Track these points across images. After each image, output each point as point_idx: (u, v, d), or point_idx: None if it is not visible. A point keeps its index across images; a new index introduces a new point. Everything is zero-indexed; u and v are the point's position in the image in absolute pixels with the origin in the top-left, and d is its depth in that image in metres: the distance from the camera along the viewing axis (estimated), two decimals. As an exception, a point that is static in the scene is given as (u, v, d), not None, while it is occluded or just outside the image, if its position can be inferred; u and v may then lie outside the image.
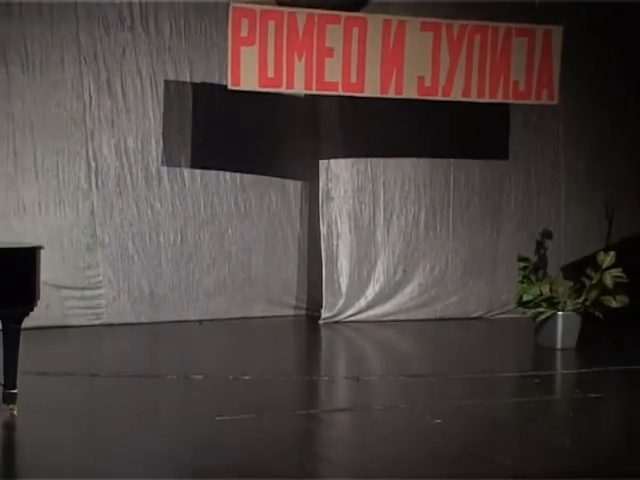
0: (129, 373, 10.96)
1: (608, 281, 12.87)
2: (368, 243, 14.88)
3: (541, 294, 12.97)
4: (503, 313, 15.03)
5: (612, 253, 13.07)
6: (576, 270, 14.00)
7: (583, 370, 11.96)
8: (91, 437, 8.74)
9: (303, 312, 14.95)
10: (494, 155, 15.39)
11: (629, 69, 15.23)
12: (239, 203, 14.49)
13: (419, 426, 9.22)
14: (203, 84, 14.18)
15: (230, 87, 13.33)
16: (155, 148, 14.10)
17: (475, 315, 15.23)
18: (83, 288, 13.70)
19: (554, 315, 12.87)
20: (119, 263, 13.94)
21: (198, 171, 14.28)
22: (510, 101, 14.67)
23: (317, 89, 13.86)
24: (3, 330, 9.23)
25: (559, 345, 12.83)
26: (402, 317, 14.84)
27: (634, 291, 12.86)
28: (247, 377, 10.83)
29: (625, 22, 15.04)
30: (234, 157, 14.36)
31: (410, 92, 14.03)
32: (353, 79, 13.82)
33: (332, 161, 14.70)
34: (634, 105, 14.56)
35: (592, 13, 14.99)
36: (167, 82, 14.08)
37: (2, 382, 9.21)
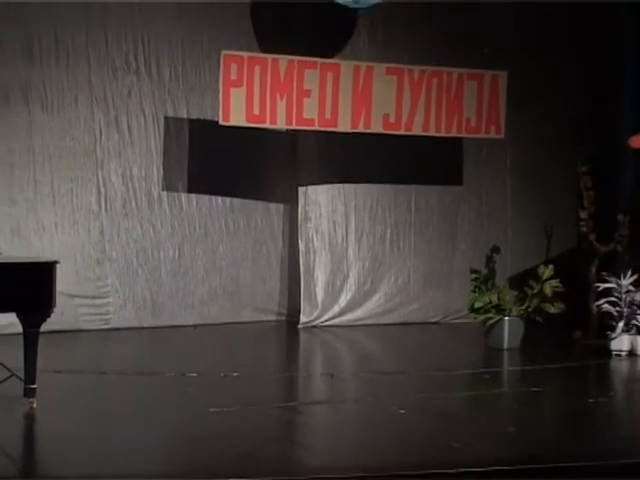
0: (133, 371, 10.94)
1: (547, 290, 12.91)
2: (341, 258, 14.85)
3: (490, 302, 12.98)
4: (457, 318, 14.97)
5: (551, 266, 13.11)
6: (520, 281, 14.07)
7: (526, 367, 11.91)
8: (100, 426, 8.73)
9: (284, 318, 14.85)
10: (450, 182, 15.35)
11: (567, 109, 15.22)
12: (229, 223, 14.45)
13: (386, 416, 9.23)
14: (198, 120, 14.14)
15: (221, 123, 13.35)
16: (156, 175, 14.07)
17: (433, 320, 15.17)
18: (93, 297, 13.66)
19: (501, 320, 12.85)
20: (125, 275, 13.90)
21: (194, 195, 14.24)
22: (463, 135, 14.68)
23: (297, 125, 13.87)
24: (24, 333, 9.20)
25: (505, 346, 12.79)
26: (370, 322, 14.80)
27: (569, 299, 12.95)
28: (236, 374, 10.80)
29: (563, 67, 15.08)
30: (225, 183, 14.33)
31: (377, 127, 14.05)
32: (328, 116, 13.83)
33: (309, 187, 14.69)
34: (569, 140, 14.54)
35: (534, 59, 14.98)
36: (167, 118, 14.06)
37: (23, 378, 9.17)
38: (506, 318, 12.88)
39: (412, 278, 15.23)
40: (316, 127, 13.95)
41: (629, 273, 12.81)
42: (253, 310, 14.70)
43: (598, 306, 12.87)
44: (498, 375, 11.75)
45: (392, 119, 14.09)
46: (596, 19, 14.96)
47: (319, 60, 13.80)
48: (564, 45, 15.04)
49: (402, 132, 14.18)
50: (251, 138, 13.90)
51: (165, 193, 14.15)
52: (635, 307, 12.65)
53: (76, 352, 12.07)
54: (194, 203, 14.29)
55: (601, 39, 15.07)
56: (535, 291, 13.01)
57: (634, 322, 12.60)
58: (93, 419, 9.01)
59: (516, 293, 13.46)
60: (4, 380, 9.44)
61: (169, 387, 10.38)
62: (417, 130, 14.23)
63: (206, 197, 14.31)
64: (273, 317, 14.82)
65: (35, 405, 9.06)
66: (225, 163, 14.20)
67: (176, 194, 14.21)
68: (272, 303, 14.85)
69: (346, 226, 14.94)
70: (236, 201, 14.50)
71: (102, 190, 13.78)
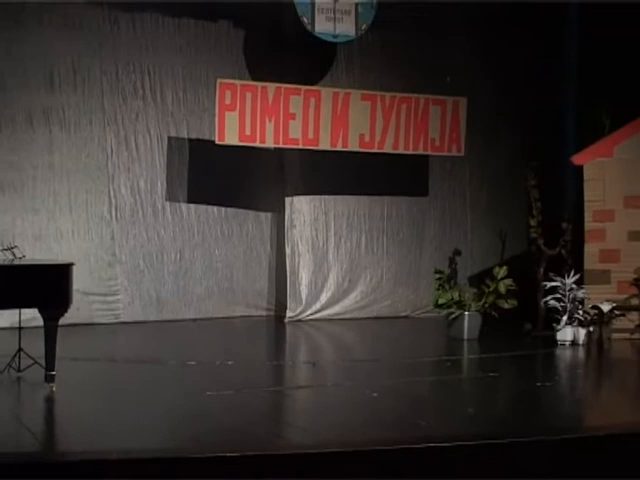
0: (139, 359, 10.97)
1: (502, 289, 12.96)
2: (322, 261, 14.84)
3: (452, 298, 12.98)
4: (424, 313, 14.95)
5: (505, 267, 13.18)
6: (478, 280, 14.09)
7: (483, 355, 11.92)
8: (111, 407, 8.74)
9: (272, 313, 14.82)
10: (417, 194, 15.35)
11: (519, 131, 15.25)
12: (224, 230, 14.46)
13: (360, 399, 9.24)
14: (197, 140, 14.14)
15: (217, 142, 13.36)
16: (160, 188, 14.08)
17: (403, 314, 15.16)
18: (105, 294, 13.68)
19: (462, 314, 12.86)
20: (133, 275, 13.91)
21: (193, 205, 14.24)
22: (428, 153, 14.69)
23: (283, 144, 13.87)
24: (45, 326, 9.23)
25: (465, 337, 12.78)
26: (348, 316, 14.79)
27: (521, 296, 12.99)
28: (230, 362, 10.80)
29: (516, 94, 15.14)
30: (220, 195, 14.33)
31: (353, 146, 14.07)
32: (310, 136, 13.84)
33: (295, 198, 14.67)
34: (521, 158, 14.53)
35: (491, 88, 15.04)
36: (170, 138, 14.07)
37: (44, 365, 9.22)
38: (466, 312, 12.88)
39: (384, 278, 15.24)
40: (300, 146, 13.96)
41: (572, 273, 12.85)
42: (245, 306, 14.69)
43: (545, 302, 12.87)
44: (459, 362, 11.71)
45: (367, 139, 14.11)
46: (542, 58, 15.11)
47: (303, 87, 13.83)
48: (517, 76, 15.08)
49: (375, 150, 14.20)
50: (243, 155, 13.88)
51: (168, 203, 14.16)
52: (577, 303, 12.67)
53: (90, 343, 12.02)
54: (193, 212, 14.30)
55: (548, 74, 15.18)
56: (491, 289, 13.05)
57: (576, 316, 12.62)
58: (105, 401, 9.03)
59: (475, 291, 13.47)
60: (27, 367, 9.54)
61: (171, 373, 10.38)
62: (388, 148, 14.25)
63: (204, 207, 14.32)
64: (262, 312, 14.80)
65: (54, 389, 9.09)
66: (220, 177, 14.21)
67: (177, 204, 14.22)
68: (262, 300, 14.83)
69: (327, 232, 14.93)
70: (230, 210, 14.51)
71: (113, 201, 13.79)
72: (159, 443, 7.57)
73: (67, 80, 13.41)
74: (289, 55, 14.17)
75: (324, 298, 14.86)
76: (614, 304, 12.73)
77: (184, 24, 14.02)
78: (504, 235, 14.84)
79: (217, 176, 14.17)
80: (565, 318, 12.63)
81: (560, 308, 12.70)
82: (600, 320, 12.56)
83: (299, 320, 14.51)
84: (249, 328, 14.10)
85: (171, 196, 14.17)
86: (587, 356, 12.15)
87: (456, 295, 13.06)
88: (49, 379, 9.17)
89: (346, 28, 13.88)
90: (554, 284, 12.84)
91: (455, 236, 15.57)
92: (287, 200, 14.67)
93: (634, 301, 13.07)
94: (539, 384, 10.25)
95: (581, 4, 14.95)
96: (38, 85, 13.24)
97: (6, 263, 9.31)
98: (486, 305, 13.00)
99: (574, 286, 12.75)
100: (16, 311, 9.73)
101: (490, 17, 14.79)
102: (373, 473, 7.14)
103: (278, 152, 14.40)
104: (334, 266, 14.96)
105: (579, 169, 13.37)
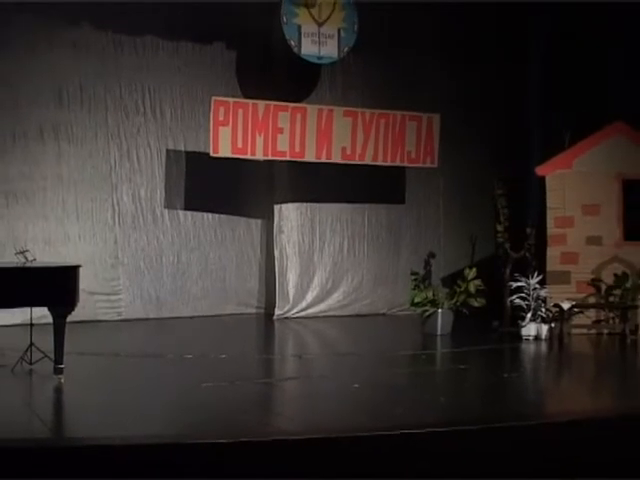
0: (141, 354, 10.98)
1: (471, 288, 13.00)
2: (308, 263, 14.84)
3: (427, 297, 12.99)
4: (401, 311, 14.92)
5: (474, 269, 13.23)
6: (450, 280, 14.14)
7: (455, 349, 11.92)
8: (114, 397, 8.75)
9: (262, 311, 14.79)
10: (395, 201, 15.37)
11: (487, 144, 15.23)
12: (217, 235, 14.44)
13: (344, 390, 9.25)
14: (193, 152, 14.12)
15: (212, 154, 13.35)
16: (159, 196, 14.07)
17: (382, 312, 15.17)
18: (109, 294, 13.67)
19: (435, 312, 12.87)
20: (134, 277, 13.90)
21: (189, 212, 14.23)
22: (405, 165, 14.71)
23: (272, 156, 13.86)
24: (54, 323, 9.25)
25: (439, 332, 12.78)
26: (331, 314, 14.78)
27: (489, 295, 13.03)
28: (223, 356, 10.80)
29: (486, 111, 15.15)
30: (214, 203, 14.30)
31: (336, 158, 14.07)
32: (297, 149, 13.84)
33: (283, 205, 14.67)
34: (489, 169, 14.54)
35: (463, 105, 15.03)
36: (168, 151, 14.05)
37: (53, 359, 9.23)
38: (439, 310, 12.89)
39: (365, 279, 15.25)
40: (288, 158, 13.95)
41: (535, 274, 12.89)
42: (237, 304, 14.67)
43: (511, 301, 12.87)
44: (433, 356, 11.76)
45: (348, 151, 14.12)
46: (509, 78, 15.18)
47: (290, 104, 13.83)
48: (486, 95, 15.07)
49: (356, 161, 14.21)
50: (235, 166, 13.86)
51: (166, 210, 14.14)
52: (540, 301, 12.72)
53: (95, 338, 12.00)
54: (189, 218, 14.28)
55: (515, 93, 15.25)
56: (462, 289, 13.08)
57: (539, 313, 12.66)
58: (109, 391, 9.04)
59: (447, 290, 13.47)
60: (38, 360, 9.53)
61: (170, 366, 10.38)
62: (368, 160, 14.25)
63: (199, 214, 14.30)
64: (253, 310, 14.78)
65: (63, 380, 9.11)
66: (214, 186, 14.18)
67: (175, 211, 14.21)
68: (252, 299, 14.81)
69: (312, 237, 14.93)
70: (223, 217, 14.49)
71: (116, 208, 13.78)
72: (159, 430, 7.57)
73: (74, 98, 13.41)
74: (278, 75, 14.17)
75: (310, 297, 14.85)
76: (573, 302, 12.78)
77: (181, 47, 14.02)
78: (474, 239, 14.84)
79: (211, 185, 14.15)
80: (529, 315, 12.67)
81: (525, 306, 12.74)
82: (561, 317, 12.59)
83: (287, 317, 14.49)
84: (241, 325, 14.07)
85: (169, 204, 14.15)
86: (549, 350, 12.14)
87: (430, 294, 13.07)
88: (58, 371, 9.20)
89: (330, 51, 13.92)
90: (519, 284, 12.87)
91: (429, 240, 15.58)
92: (276, 207, 14.66)
93: (591, 299, 13.16)
94: (506, 375, 10.30)
95: (545, 29, 15.08)
96: (48, 102, 13.23)
97: (19, 265, 9.33)
98: (458, 303, 13.03)
99: (537, 286, 12.79)
100: (28, 309, 9.69)
101: (461, 40, 14.85)
102: (354, 457, 7.14)
103: (267, 163, 14.37)
104: (319, 268, 14.97)
105: (542, 180, 13.42)
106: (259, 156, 13.86)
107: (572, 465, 7.43)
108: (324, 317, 14.69)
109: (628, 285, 12.89)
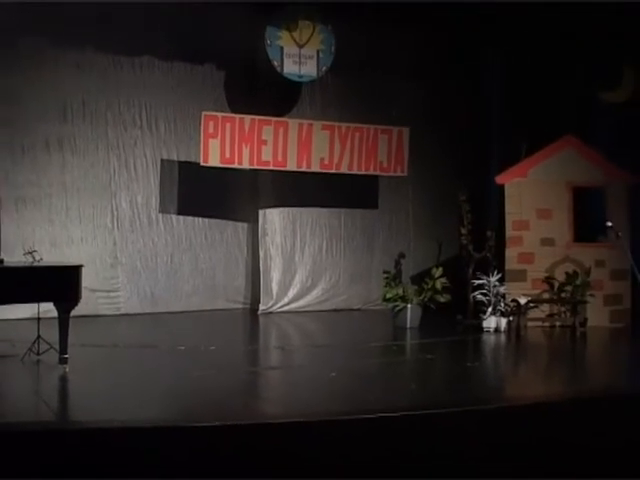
0: (138, 345, 10.97)
1: (438, 286, 13.03)
2: (290, 263, 14.80)
3: (397, 294, 13.02)
4: (374, 306, 14.85)
5: (440, 268, 13.28)
6: (419, 279, 14.06)
7: (423, 341, 11.96)
8: (114, 385, 8.78)
9: (248, 306, 14.72)
10: (369, 207, 15.34)
11: (452, 155, 15.20)
12: (208, 237, 14.38)
13: (322, 378, 9.27)
14: (185, 162, 14.08)
15: (202, 164, 13.34)
16: (154, 202, 14.01)
17: (357, 307, 15.12)
18: (108, 291, 13.61)
19: (405, 307, 12.87)
20: (132, 275, 13.84)
21: (182, 217, 14.17)
22: (378, 173, 14.70)
23: (257, 165, 13.84)
24: (59, 317, 9.26)
25: (408, 325, 12.78)
26: (311, 309, 14.74)
27: (454, 292, 13.04)
28: (212, 347, 10.79)
29: (451, 124, 15.12)
30: (205, 208, 14.24)
31: (315, 167, 14.06)
32: (279, 159, 13.82)
33: (267, 210, 14.62)
34: (454, 177, 14.47)
35: (430, 119, 15.04)
36: (162, 161, 14.00)
37: (58, 350, 9.24)
38: (409, 305, 12.90)
39: (342, 277, 15.21)
40: (271, 167, 13.93)
41: (495, 272, 12.95)
42: (225, 301, 14.62)
43: (474, 296, 12.90)
44: (403, 347, 11.77)
45: (326, 161, 14.11)
46: (471, 95, 15.24)
47: (273, 119, 13.82)
48: (451, 110, 15.03)
49: (334, 171, 14.20)
50: (224, 175, 13.81)
51: (161, 215, 14.09)
52: (500, 297, 12.76)
53: (96, 331, 11.95)
54: (182, 222, 14.22)
55: (477, 109, 15.33)
56: (429, 286, 13.10)
57: (499, 308, 12.71)
58: (109, 379, 9.05)
59: (416, 287, 13.44)
60: (45, 351, 9.53)
61: (164, 357, 10.37)
62: (344, 169, 14.25)
63: (191, 218, 14.23)
64: (240, 306, 14.71)
65: (67, 370, 9.11)
66: (205, 193, 14.14)
67: (169, 216, 14.15)
68: (239, 295, 14.75)
69: (294, 239, 14.89)
70: (213, 221, 14.44)
71: (115, 213, 13.74)
72: (155, 414, 7.60)
73: (77, 113, 13.35)
74: (262, 92, 14.14)
75: (291, 294, 14.81)
76: (529, 298, 12.83)
77: (175, 67, 13.97)
78: (440, 241, 14.82)
79: (202, 192, 14.11)
80: (490, 309, 12.73)
81: (486, 301, 12.78)
82: (518, 311, 12.64)
83: (270, 312, 14.45)
84: (228, 319, 14.04)
85: (163, 209, 14.11)
86: (508, 341, 12.18)
87: (401, 291, 13.09)
88: (63, 361, 9.20)
89: (309, 70, 13.91)
90: (481, 281, 12.91)
91: (400, 242, 15.53)
92: (260, 212, 14.62)
93: (545, 295, 13.23)
94: (469, 364, 10.39)
95: (502, 54, 15.14)
96: (53, 118, 13.18)
97: (27, 265, 9.32)
98: (425, 299, 13.04)
99: (497, 283, 12.85)
100: (35, 304, 9.67)
101: (428, 62, 14.86)
102: (332, 439, 7.17)
103: (253, 172, 14.33)
104: (300, 267, 14.93)
105: (501, 188, 13.49)
106: (245, 165, 13.84)
107: (529, 443, 7.49)
108: (304, 312, 14.65)
109: (578, 282, 12.96)
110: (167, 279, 14.12)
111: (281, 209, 14.78)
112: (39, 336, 9.63)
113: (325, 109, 14.80)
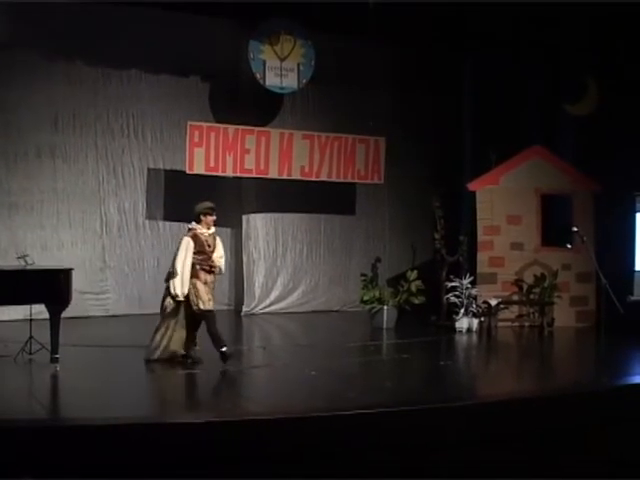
0: (126, 344, 10.88)
1: (413, 288, 13.08)
2: (272, 266, 14.80)
3: (374, 296, 13.08)
4: (352, 307, 14.87)
5: (415, 271, 13.34)
6: (395, 281, 14.09)
7: (399, 341, 11.98)
8: (104, 383, 8.77)
9: (232, 308, 14.73)
10: (347, 213, 15.37)
11: (426, 163, 15.27)
12: (193, 242, 14.45)
13: (302, 376, 9.29)
14: (171, 170, 14.07)
15: (188, 172, 13.34)
16: (141, 208, 14.00)
17: (335, 309, 15.12)
18: (98, 293, 13.60)
19: (382, 308, 12.93)
20: (120, 278, 13.82)
21: (168, 223, 14.13)
22: (355, 181, 14.72)
23: (240, 173, 13.85)
24: (50, 318, 9.23)
25: (385, 326, 12.82)
26: (292, 310, 14.76)
27: (428, 294, 13.06)
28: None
29: (426, 134, 15.17)
30: (190, 214, 13.82)
31: (296, 175, 14.08)
32: (262, 167, 13.83)
33: (250, 215, 14.63)
34: (428, 184, 14.48)
35: (406, 130, 15.08)
36: (149, 169, 13.99)
37: (50, 350, 9.21)
38: (385, 307, 12.94)
39: (321, 280, 15.23)
40: (254, 175, 13.94)
41: (467, 275, 13.00)
42: (210, 302, 14.63)
43: (447, 298, 12.94)
44: (380, 346, 11.75)
45: (307, 169, 14.12)
46: (445, 107, 15.28)
47: (255, 128, 13.84)
48: (426, 121, 15.13)
49: (313, 178, 14.22)
50: (208, 182, 13.71)
51: (147, 221, 14.08)
52: (471, 299, 12.81)
53: (86, 332, 11.87)
54: (168, 228, 14.17)
55: (450, 120, 15.38)
56: (405, 288, 13.14)
57: (471, 309, 12.76)
58: (99, 378, 9.03)
59: (392, 290, 13.45)
60: (37, 351, 9.51)
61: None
62: (324, 177, 14.27)
63: (176, 223, 14.02)
64: (224, 307, 14.54)
65: (58, 369, 9.08)
66: (190, 200, 13.59)
67: (155, 221, 14.14)
68: (224, 297, 14.63)
69: (276, 244, 14.90)
70: (198, 226, 14.45)
71: (104, 218, 13.72)
72: (143, 412, 7.58)
73: (68, 123, 13.34)
74: (245, 103, 14.15)
75: (273, 296, 14.82)
76: (500, 299, 12.89)
77: (162, 79, 13.96)
78: (414, 248, 14.89)
79: (187, 199, 13.65)
80: (462, 311, 12.77)
81: (458, 303, 12.82)
82: (489, 312, 12.68)
83: (253, 314, 14.46)
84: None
85: (150, 215, 14.09)
86: (479, 340, 12.22)
87: (377, 293, 13.14)
88: (54, 361, 9.18)
89: (290, 82, 13.94)
90: (454, 284, 12.95)
91: (377, 247, 15.58)
92: (244, 218, 14.63)
93: (515, 297, 13.28)
94: (442, 363, 10.41)
95: (474, 68, 15.28)
96: (45, 127, 13.17)
97: (20, 268, 9.30)
98: (401, 301, 13.07)
99: (469, 286, 12.89)
100: (28, 306, 9.65)
101: (404, 75, 14.97)
102: (312, 434, 7.20)
103: (236, 180, 14.33)
104: (281, 270, 14.94)
105: (473, 194, 13.54)
106: (229, 173, 13.84)
107: (500, 437, 7.53)
108: (286, 313, 14.65)
109: (546, 284, 13.04)
110: (154, 282, 13.90)
111: (264, 215, 14.78)
112: (31, 336, 9.60)
113: (305, 119, 14.82)
